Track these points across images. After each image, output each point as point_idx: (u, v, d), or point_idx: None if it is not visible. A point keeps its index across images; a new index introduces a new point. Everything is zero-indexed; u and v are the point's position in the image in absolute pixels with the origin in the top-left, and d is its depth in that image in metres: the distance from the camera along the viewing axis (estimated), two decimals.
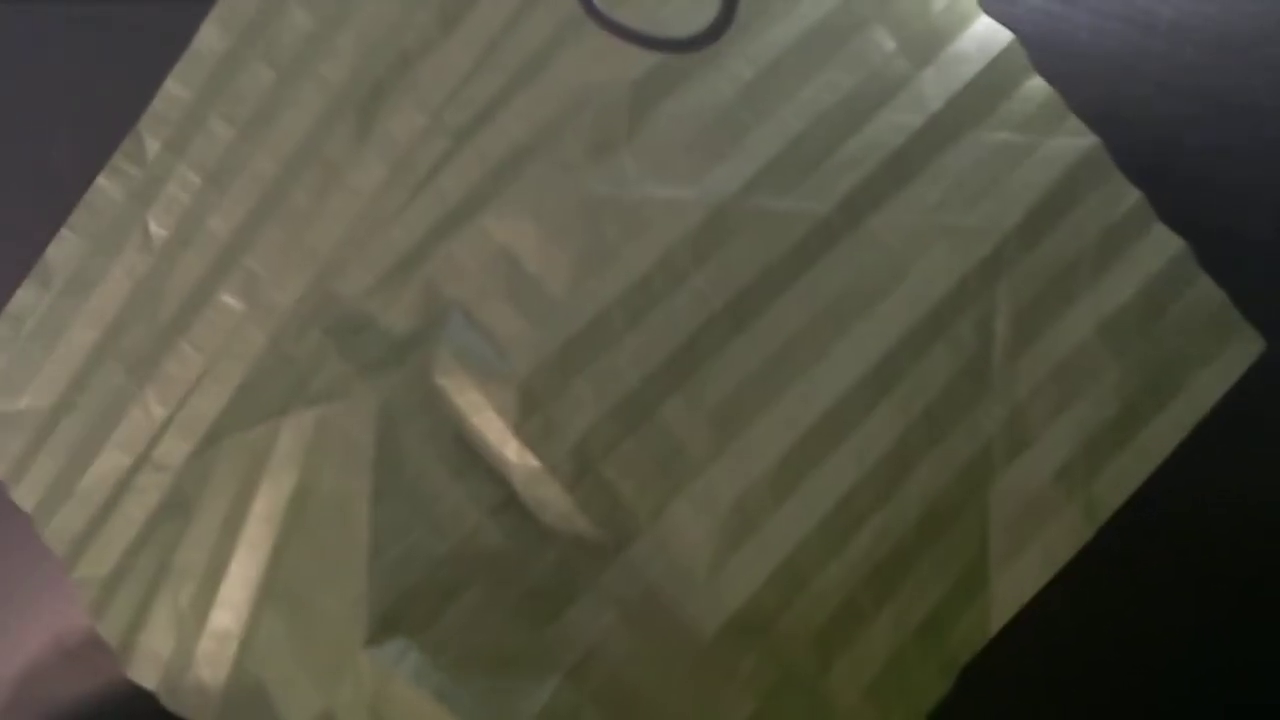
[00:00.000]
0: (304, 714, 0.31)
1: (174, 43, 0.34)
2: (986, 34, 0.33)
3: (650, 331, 0.32)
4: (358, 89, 0.33)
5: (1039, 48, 0.34)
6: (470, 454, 0.31)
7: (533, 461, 0.31)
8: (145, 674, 0.33)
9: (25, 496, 0.34)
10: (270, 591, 0.32)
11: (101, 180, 0.34)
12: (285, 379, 0.33)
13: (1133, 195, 0.33)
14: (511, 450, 0.31)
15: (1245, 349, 0.33)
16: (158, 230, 0.34)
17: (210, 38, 0.34)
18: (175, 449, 0.33)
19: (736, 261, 0.32)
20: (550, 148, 0.32)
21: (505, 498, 0.31)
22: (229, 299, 0.33)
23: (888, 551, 0.31)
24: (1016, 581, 0.32)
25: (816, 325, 0.32)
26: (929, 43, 0.33)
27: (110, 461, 0.34)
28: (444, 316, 0.32)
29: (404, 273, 0.32)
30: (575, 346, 0.31)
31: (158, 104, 0.34)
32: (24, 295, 0.34)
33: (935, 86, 0.33)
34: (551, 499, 0.31)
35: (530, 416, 0.31)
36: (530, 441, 0.31)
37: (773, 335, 0.32)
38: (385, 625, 0.30)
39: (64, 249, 0.34)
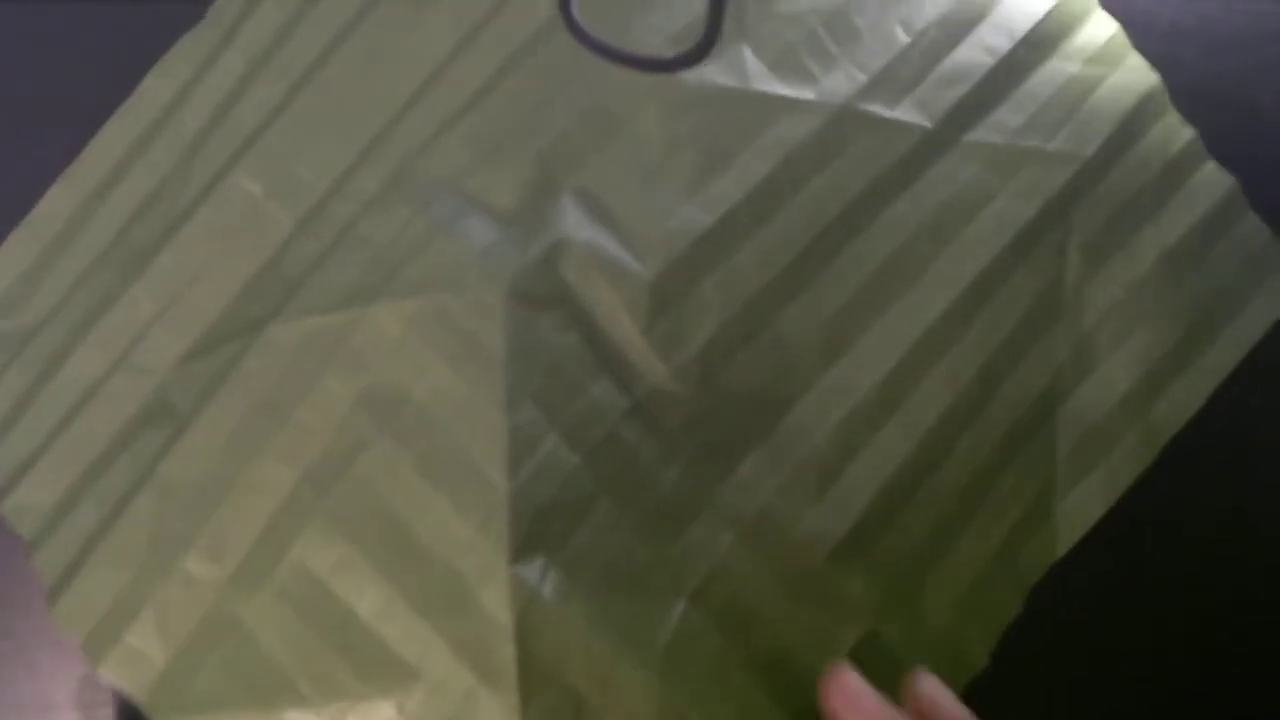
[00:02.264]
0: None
1: (174, 43, 0.34)
2: None
3: (772, 235, 0.31)
4: None
5: None
6: (598, 354, 0.30)
7: (659, 366, 0.31)
8: (74, 620, 0.30)
9: None
10: (338, 516, 0.30)
11: (148, 80, 0.33)
12: (351, 265, 0.31)
13: (1189, 132, 0.34)
14: (639, 353, 0.31)
15: None
16: (192, 121, 0.33)
17: None
18: (163, 349, 0.32)
19: (851, 169, 0.32)
20: (656, 29, 0.32)
21: (632, 404, 0.30)
22: (246, 181, 0.32)
23: (974, 472, 0.32)
24: (1081, 505, 0.33)
25: (918, 241, 0.32)
26: None
27: (81, 365, 0.32)
28: (557, 200, 0.31)
29: (510, 148, 0.31)
30: (703, 247, 0.31)
31: (219, 4, 0.33)
32: (50, 200, 0.33)
33: (1019, 14, 0.34)
34: (675, 406, 0.31)
35: (658, 319, 0.31)
36: (658, 345, 0.31)
37: (879, 248, 0.32)
38: (528, 543, 0.29)
39: (97, 148, 0.33)
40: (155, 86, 0.33)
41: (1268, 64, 0.36)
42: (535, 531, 0.29)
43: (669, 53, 0.32)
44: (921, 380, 0.32)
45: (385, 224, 0.31)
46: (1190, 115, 0.35)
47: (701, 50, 0.32)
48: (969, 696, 0.28)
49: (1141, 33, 0.35)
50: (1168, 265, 0.33)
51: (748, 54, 0.32)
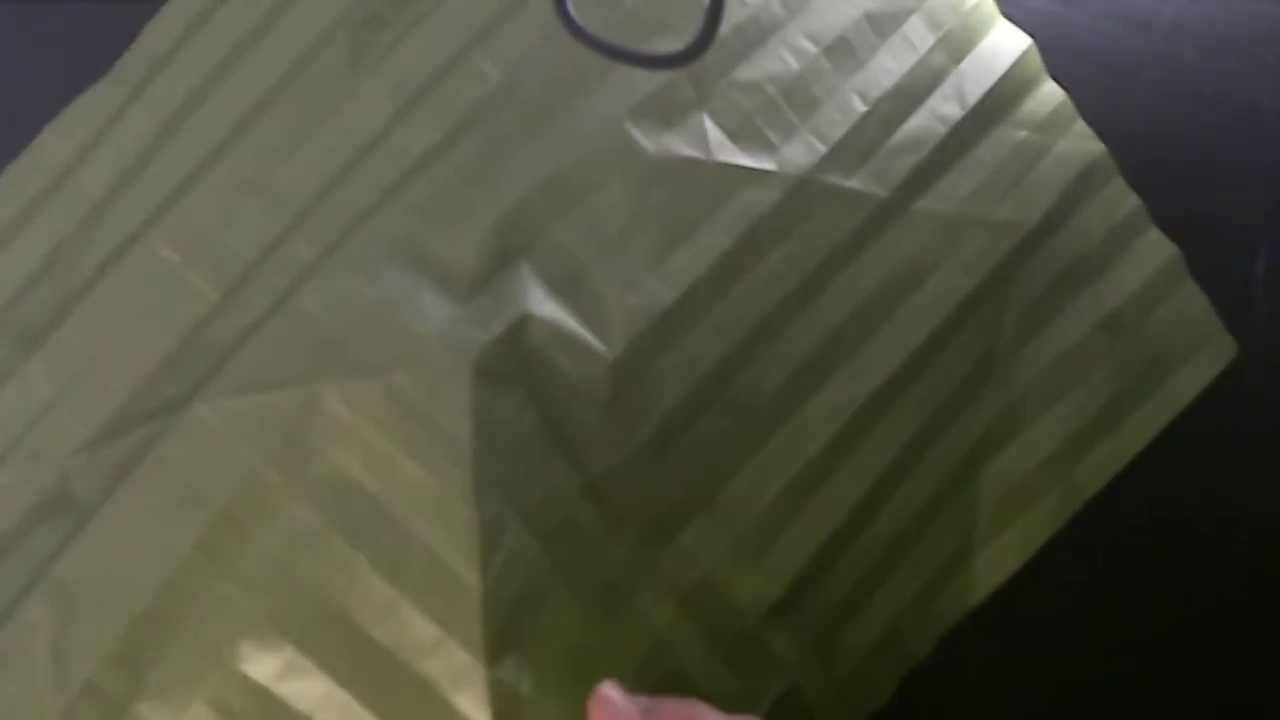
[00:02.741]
0: None
1: None
2: (1008, 36, 0.34)
3: (730, 309, 0.31)
4: (352, 21, 0.31)
5: (1040, 48, 0.34)
6: (554, 434, 0.30)
7: (615, 445, 0.30)
8: None
9: None
10: (281, 619, 0.28)
11: (44, 137, 0.31)
12: (289, 340, 0.29)
13: (1133, 200, 0.34)
14: (595, 432, 0.30)
15: (1220, 353, 0.34)
16: (93, 184, 0.30)
17: None
18: (65, 434, 0.29)
19: (809, 240, 0.32)
20: (617, 99, 0.31)
21: (584, 482, 0.30)
22: (162, 248, 0.30)
23: (901, 529, 0.33)
24: (997, 560, 0.33)
25: (864, 310, 0.32)
26: (962, 39, 0.34)
27: None
28: (517, 272, 0.30)
29: (464, 217, 0.30)
30: (665, 323, 0.31)
31: (127, 58, 0.31)
32: None
33: (970, 82, 0.33)
34: (626, 483, 0.30)
35: (618, 398, 0.30)
36: (615, 424, 0.30)
37: (828, 318, 0.32)
38: (502, 642, 0.28)
39: None
40: (51, 145, 0.30)
41: (1268, 64, 0.36)
42: (507, 630, 0.28)
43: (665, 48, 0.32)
44: (859, 446, 0.32)
45: (327, 296, 0.29)
46: (1190, 115, 0.35)
47: (700, 46, 0.32)
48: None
49: (1142, 32, 0.35)
50: (1102, 332, 0.34)
51: (709, 124, 0.32)
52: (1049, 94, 0.34)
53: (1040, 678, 0.33)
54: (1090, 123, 0.34)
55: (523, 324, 0.29)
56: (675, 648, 0.31)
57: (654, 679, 0.30)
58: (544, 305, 0.30)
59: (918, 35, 0.33)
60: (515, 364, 0.29)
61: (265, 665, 0.28)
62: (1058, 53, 0.35)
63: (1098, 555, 0.34)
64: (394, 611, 0.28)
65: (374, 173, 0.30)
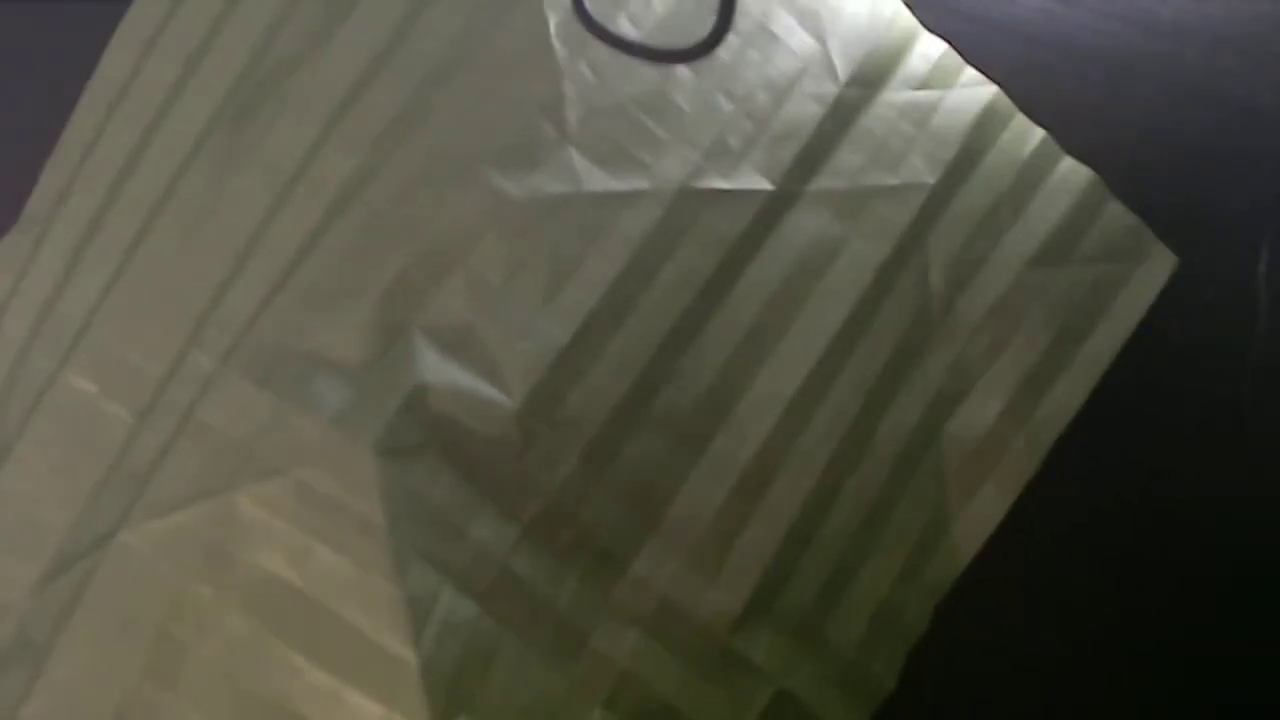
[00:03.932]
0: None
1: None
2: (874, 3, 0.34)
3: (631, 333, 0.31)
4: (221, 119, 0.31)
5: (1039, 47, 0.34)
6: (477, 489, 0.30)
7: (541, 488, 0.30)
8: None
9: None
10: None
11: None
12: (196, 454, 0.29)
13: (1038, 134, 0.34)
14: (517, 481, 0.30)
15: (1160, 266, 0.34)
16: (16, 330, 0.31)
17: (78, 118, 0.32)
18: (16, 580, 0.30)
19: (700, 249, 0.31)
20: (480, 155, 0.31)
21: (520, 531, 0.30)
22: (78, 380, 0.30)
23: (865, 509, 0.32)
24: (977, 518, 0.33)
25: (777, 300, 0.32)
26: (825, 15, 0.33)
27: None
28: (408, 343, 0.30)
29: (347, 299, 0.30)
30: (565, 361, 0.30)
31: (30, 203, 0.32)
32: None
33: (841, 56, 0.33)
34: (564, 522, 0.30)
35: (532, 444, 0.30)
36: (534, 469, 0.30)
37: (740, 318, 0.32)
38: (449, 709, 0.28)
39: None
40: None
41: (1268, 64, 0.36)
42: (453, 694, 0.28)
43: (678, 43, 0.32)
44: (800, 437, 0.32)
45: (226, 404, 0.30)
46: (1190, 115, 0.34)
47: (716, 37, 0.32)
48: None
49: (1141, 33, 0.35)
50: (1033, 270, 0.33)
51: (575, 156, 0.31)
52: (928, 49, 0.33)
53: (1042, 660, 0.33)
54: (1090, 122, 0.34)
55: (419, 393, 0.29)
56: (644, 676, 0.31)
57: (629, 706, 0.30)
58: (438, 370, 0.30)
59: (777, 21, 0.33)
60: (419, 433, 0.29)
61: None
62: (1058, 53, 0.35)
63: (1099, 551, 0.34)
64: (339, 700, 0.28)
65: (258, 271, 0.30)
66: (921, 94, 0.33)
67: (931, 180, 0.33)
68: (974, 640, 0.34)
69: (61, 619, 0.29)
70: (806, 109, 0.32)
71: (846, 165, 0.33)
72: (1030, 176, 0.33)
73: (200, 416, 0.30)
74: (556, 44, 0.31)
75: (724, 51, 0.32)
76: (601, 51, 0.32)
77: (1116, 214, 0.34)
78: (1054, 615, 0.33)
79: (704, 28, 0.32)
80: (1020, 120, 0.34)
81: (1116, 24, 0.36)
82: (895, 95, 0.33)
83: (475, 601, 0.29)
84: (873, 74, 0.33)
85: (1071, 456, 0.34)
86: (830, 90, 0.33)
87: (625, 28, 0.32)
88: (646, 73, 0.32)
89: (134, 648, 0.29)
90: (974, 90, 0.33)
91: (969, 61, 0.34)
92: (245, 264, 0.30)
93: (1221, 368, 0.34)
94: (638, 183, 0.31)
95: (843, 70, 0.33)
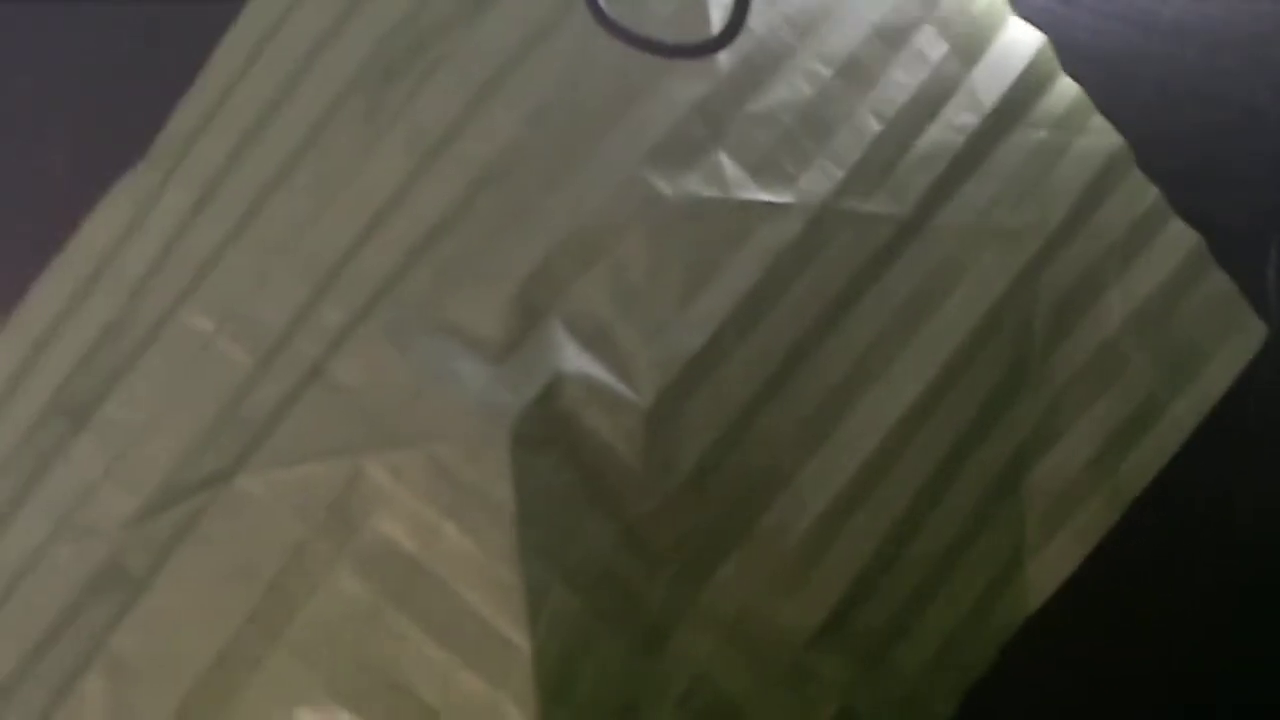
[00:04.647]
0: None
1: (175, 44, 0.34)
2: (1021, 34, 0.34)
3: (757, 343, 0.31)
4: (368, 76, 0.31)
5: None
6: (592, 489, 0.30)
7: (653, 492, 0.30)
8: None
9: None
10: (339, 688, 0.28)
11: (88, 224, 0.31)
12: (326, 411, 0.29)
13: (1152, 192, 0.34)
14: (633, 481, 0.30)
15: (1251, 337, 0.34)
16: (135, 264, 0.31)
17: (220, 57, 0.31)
18: (113, 509, 0.29)
19: (831, 268, 0.31)
20: (633, 146, 0.30)
21: (622, 530, 0.30)
22: (197, 318, 0.30)
23: (944, 544, 0.32)
24: (1051, 565, 0.33)
25: (890, 330, 0.32)
26: (974, 42, 0.33)
27: (23, 532, 0.29)
28: (546, 332, 0.30)
29: (488, 279, 0.30)
30: (695, 366, 0.30)
31: (161, 138, 0.31)
32: None
33: (985, 87, 0.33)
34: (664, 527, 0.30)
35: (654, 446, 0.30)
36: (653, 471, 0.30)
37: (854, 341, 0.32)
38: (553, 700, 0.28)
39: (37, 298, 0.31)
40: (94, 230, 0.31)
41: (1268, 64, 0.36)
42: (558, 684, 0.29)
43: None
44: (895, 465, 0.32)
45: (360, 366, 0.29)
46: (1190, 115, 0.35)
47: (731, 32, 0.31)
48: None
49: (1141, 33, 0.35)
50: (1133, 327, 0.33)
51: (725, 160, 0.31)
52: (1064, 90, 0.34)
53: (1042, 660, 0.33)
54: None
55: (556, 384, 0.29)
56: (717, 679, 0.31)
57: (701, 707, 0.31)
58: (575, 362, 0.30)
59: (929, 44, 0.33)
60: (550, 425, 0.29)
61: None
62: (1058, 53, 0.35)
63: (1099, 551, 0.33)
64: (447, 676, 0.28)
65: (396, 234, 0.30)
66: (1053, 135, 0.33)
67: (1051, 227, 0.33)
68: None
69: (163, 555, 0.29)
70: (947, 138, 0.33)
71: (975, 200, 0.33)
72: (1141, 233, 0.34)
73: (331, 372, 0.29)
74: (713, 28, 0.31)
75: (875, 69, 0.32)
76: (759, 54, 0.31)
77: (1218, 280, 0.34)
78: (1054, 615, 0.33)
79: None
80: (1137, 175, 0.34)
81: (1116, 24, 0.36)
82: (1029, 133, 0.33)
83: (579, 598, 0.29)
84: (1013, 108, 0.33)
85: None
86: (972, 121, 0.33)
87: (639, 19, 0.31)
88: (799, 82, 0.32)
89: (243, 594, 0.28)
90: (1102, 138, 0.34)
91: None
92: (383, 225, 0.30)
93: None
94: (783, 195, 0.31)
95: (986, 101, 0.33)
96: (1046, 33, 0.35)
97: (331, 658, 0.28)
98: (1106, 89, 0.36)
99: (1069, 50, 0.36)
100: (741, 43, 0.31)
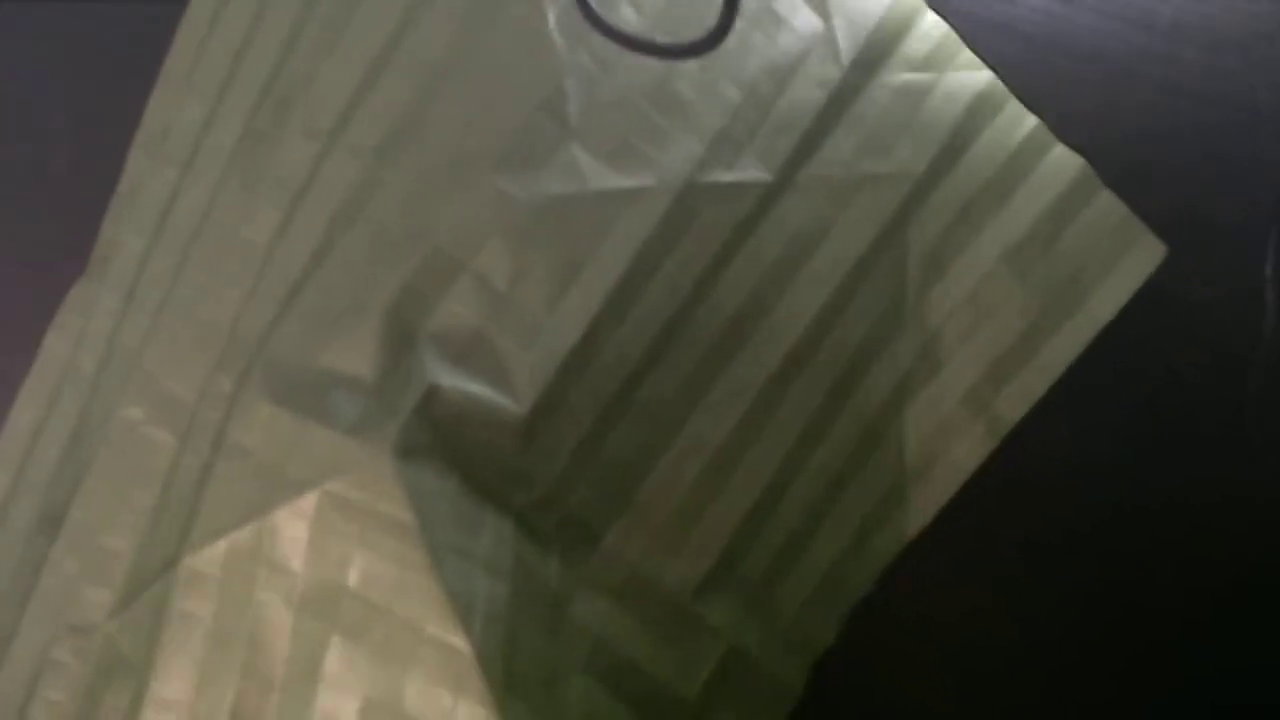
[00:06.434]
0: None
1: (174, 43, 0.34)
2: None
3: (631, 327, 0.31)
4: (244, 143, 0.32)
5: (1039, 48, 0.34)
6: (480, 485, 0.30)
7: (536, 482, 0.31)
8: None
9: None
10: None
11: (49, 338, 0.33)
12: (235, 477, 0.30)
13: (1030, 121, 0.33)
14: (515, 476, 0.31)
15: (1145, 258, 0.33)
16: (87, 365, 0.33)
17: (129, 167, 0.33)
18: (96, 605, 0.31)
19: (699, 243, 0.32)
20: (482, 157, 0.31)
21: (514, 519, 0.31)
22: (130, 409, 0.32)
23: (825, 483, 0.33)
24: (930, 494, 0.33)
25: (760, 288, 0.32)
26: None
27: (27, 640, 0.31)
28: (416, 351, 0.30)
29: (353, 314, 0.30)
30: (570, 364, 0.31)
31: (95, 250, 0.33)
32: None
33: (845, 37, 0.33)
34: (551, 509, 0.31)
35: (533, 442, 0.31)
36: (533, 464, 0.31)
37: (726, 304, 0.32)
38: (506, 687, 0.29)
39: (18, 415, 0.33)
40: (55, 343, 0.33)
41: (1268, 64, 0.36)
42: (505, 674, 0.29)
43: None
44: (771, 418, 0.32)
45: (251, 424, 0.31)
46: (1190, 114, 0.34)
47: (720, 33, 0.31)
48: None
49: (1141, 33, 0.35)
50: (1012, 260, 0.33)
51: (579, 153, 0.31)
52: (929, 29, 0.33)
53: (1042, 660, 0.34)
54: (1090, 122, 0.34)
55: (431, 396, 0.30)
56: (614, 641, 0.32)
57: (601, 672, 0.31)
58: (448, 375, 0.30)
59: (783, 2, 0.33)
60: (430, 433, 0.30)
61: None
62: (1057, 53, 0.35)
63: (1099, 551, 0.34)
64: (408, 690, 0.29)
65: (268, 290, 0.31)
66: (918, 77, 0.33)
67: (919, 169, 0.33)
68: (974, 640, 0.34)
69: (151, 638, 0.30)
70: (809, 95, 0.32)
71: (840, 152, 0.33)
72: (1018, 165, 0.33)
73: (231, 437, 0.31)
74: (555, 37, 0.31)
75: (729, 36, 0.32)
76: (602, 41, 0.31)
77: (1106, 204, 0.33)
78: (1053, 615, 0.33)
79: (705, 19, 0.32)
80: (1013, 107, 0.33)
81: (1116, 24, 0.35)
82: (893, 77, 0.33)
83: (504, 584, 0.30)
84: (874, 55, 0.33)
85: (1074, 455, 0.34)
86: (833, 74, 0.32)
87: (628, 16, 0.32)
88: (650, 62, 0.32)
89: (229, 658, 0.30)
90: (969, 74, 0.33)
91: None
92: (259, 284, 0.31)
93: (1227, 368, 0.34)
94: (643, 178, 0.31)
95: (846, 52, 0.33)
96: (1046, 33, 0.35)
97: (314, 691, 0.29)
98: (1106, 89, 0.36)
99: (1069, 50, 0.35)
100: (583, 32, 0.31)
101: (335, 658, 0.29)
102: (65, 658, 0.31)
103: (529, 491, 0.31)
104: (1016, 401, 0.33)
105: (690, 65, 0.32)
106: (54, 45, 0.35)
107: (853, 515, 0.33)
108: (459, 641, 0.29)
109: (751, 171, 0.32)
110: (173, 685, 0.30)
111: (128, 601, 0.31)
